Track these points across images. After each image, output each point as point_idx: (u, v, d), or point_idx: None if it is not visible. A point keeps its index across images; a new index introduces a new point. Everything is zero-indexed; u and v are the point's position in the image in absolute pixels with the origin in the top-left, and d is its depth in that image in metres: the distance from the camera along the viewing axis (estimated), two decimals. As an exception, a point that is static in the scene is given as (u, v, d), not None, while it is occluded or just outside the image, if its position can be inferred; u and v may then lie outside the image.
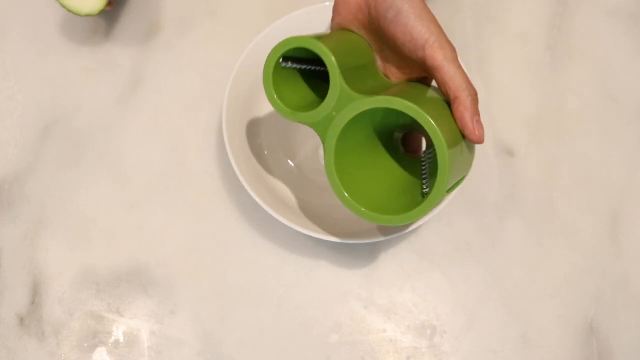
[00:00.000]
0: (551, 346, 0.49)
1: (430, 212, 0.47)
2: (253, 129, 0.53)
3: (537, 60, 0.57)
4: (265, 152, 0.53)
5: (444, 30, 0.41)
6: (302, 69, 0.44)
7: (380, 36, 0.44)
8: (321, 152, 0.53)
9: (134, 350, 0.49)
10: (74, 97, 0.56)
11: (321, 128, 0.42)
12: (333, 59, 0.40)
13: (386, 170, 0.45)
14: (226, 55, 0.56)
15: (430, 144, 0.45)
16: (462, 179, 0.43)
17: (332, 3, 0.45)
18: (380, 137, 0.45)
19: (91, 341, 0.50)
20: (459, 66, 0.40)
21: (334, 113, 0.41)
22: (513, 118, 0.55)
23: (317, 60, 0.42)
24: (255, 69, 0.52)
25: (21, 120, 0.56)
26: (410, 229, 0.47)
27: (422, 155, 0.45)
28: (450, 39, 0.42)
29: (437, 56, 0.40)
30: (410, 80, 0.45)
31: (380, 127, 0.44)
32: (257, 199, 0.47)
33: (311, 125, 0.42)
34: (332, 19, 0.46)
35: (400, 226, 0.46)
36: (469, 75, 0.49)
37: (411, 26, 0.40)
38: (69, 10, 0.53)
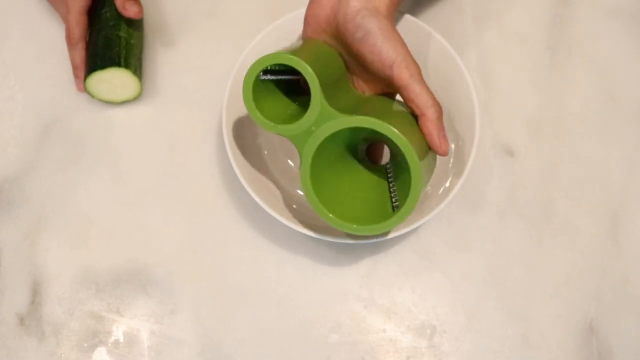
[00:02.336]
0: (551, 346, 0.49)
1: (429, 214, 0.47)
2: (253, 129, 0.53)
3: (537, 60, 0.57)
4: (265, 152, 0.53)
5: (443, 30, 0.42)
6: (279, 80, 0.45)
7: (348, 51, 0.44)
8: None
9: (134, 350, 0.49)
10: (74, 97, 0.56)
11: (299, 141, 0.43)
12: (314, 74, 0.41)
13: (358, 181, 0.46)
14: (226, 55, 0.56)
15: (394, 155, 0.47)
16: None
17: None
18: (348, 150, 0.46)
19: (91, 341, 0.50)
20: (424, 84, 0.42)
21: (313, 128, 0.42)
22: (513, 118, 0.55)
23: (294, 71, 0.43)
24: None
25: (21, 120, 0.56)
26: (401, 232, 0.47)
27: (387, 165, 0.47)
28: (450, 39, 0.42)
29: (404, 75, 0.41)
30: (377, 94, 0.46)
31: (348, 140, 0.45)
32: (257, 199, 0.47)
33: (290, 137, 0.43)
34: (304, 30, 0.46)
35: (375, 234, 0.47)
36: (468, 74, 0.50)
37: (379, 47, 0.42)
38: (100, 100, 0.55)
